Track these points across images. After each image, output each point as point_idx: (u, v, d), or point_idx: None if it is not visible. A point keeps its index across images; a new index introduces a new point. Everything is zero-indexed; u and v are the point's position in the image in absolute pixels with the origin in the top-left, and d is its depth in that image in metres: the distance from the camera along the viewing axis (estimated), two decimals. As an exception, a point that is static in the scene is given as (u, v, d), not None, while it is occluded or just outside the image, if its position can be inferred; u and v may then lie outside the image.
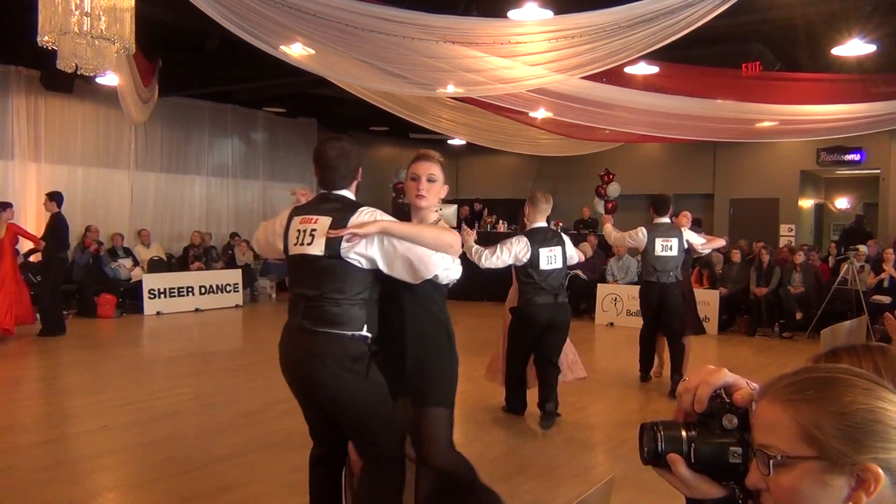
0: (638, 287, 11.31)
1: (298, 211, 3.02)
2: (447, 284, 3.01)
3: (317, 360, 2.83)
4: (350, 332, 2.84)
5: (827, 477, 0.86)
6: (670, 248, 6.65)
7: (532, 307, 5.52)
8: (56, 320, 9.31)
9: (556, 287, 5.56)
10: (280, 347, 3.03)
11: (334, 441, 3.11)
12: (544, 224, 5.69)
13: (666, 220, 6.83)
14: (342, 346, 2.82)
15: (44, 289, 9.54)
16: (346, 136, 3.12)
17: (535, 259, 5.44)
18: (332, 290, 2.83)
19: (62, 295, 11.14)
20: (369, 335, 2.88)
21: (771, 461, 0.88)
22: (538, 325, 5.56)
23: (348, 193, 3.00)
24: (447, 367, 3.09)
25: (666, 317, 6.82)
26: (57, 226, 9.42)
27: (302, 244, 2.90)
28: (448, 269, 2.91)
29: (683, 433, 0.98)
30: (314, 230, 2.88)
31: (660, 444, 0.97)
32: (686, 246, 6.83)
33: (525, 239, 5.47)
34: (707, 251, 7.37)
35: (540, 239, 5.51)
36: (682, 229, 6.92)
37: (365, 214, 2.85)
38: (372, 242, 2.81)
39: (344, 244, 2.80)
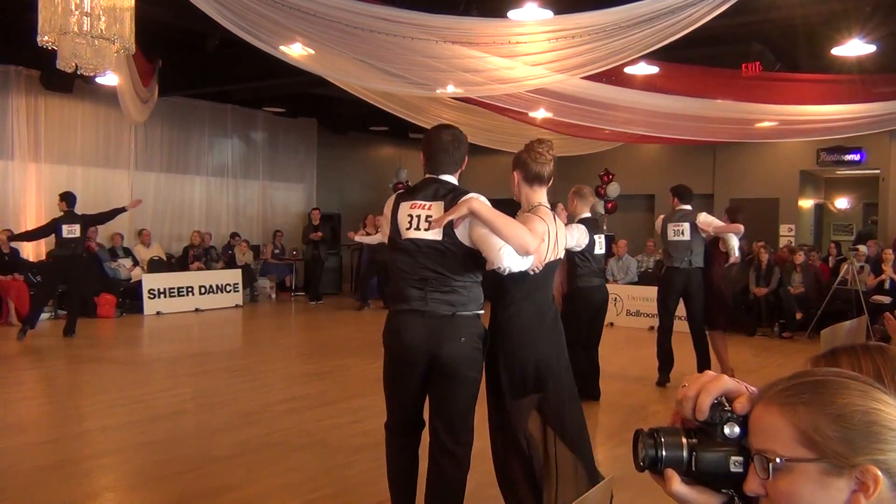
0: (638, 287, 11.42)
1: (404, 197, 3.11)
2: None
3: (457, 341, 2.96)
4: (475, 312, 3.05)
5: (826, 479, 0.86)
6: (682, 233, 6.77)
7: (592, 289, 6.13)
8: (32, 314, 9.38)
9: (603, 270, 6.22)
10: (397, 331, 3.06)
11: (412, 420, 3.23)
12: (589, 214, 6.24)
13: (687, 207, 6.94)
14: (474, 326, 3.03)
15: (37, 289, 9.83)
16: (456, 127, 3.23)
17: (591, 245, 5.95)
18: (456, 272, 2.97)
19: (61, 295, 11.19)
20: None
21: (770, 465, 0.88)
22: (595, 305, 6.18)
23: (454, 179, 3.10)
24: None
25: (687, 305, 6.87)
26: (44, 226, 9.57)
27: (418, 229, 2.99)
28: (510, 266, 2.92)
29: (684, 440, 0.96)
30: (429, 216, 2.97)
31: (660, 450, 0.96)
32: (704, 234, 6.81)
33: (583, 226, 5.92)
34: (728, 237, 6.98)
35: (591, 227, 6.10)
36: (698, 214, 6.89)
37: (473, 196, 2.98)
38: (465, 223, 2.93)
39: (459, 229, 2.93)
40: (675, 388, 6.86)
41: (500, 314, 3.20)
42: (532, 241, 2.89)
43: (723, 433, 0.95)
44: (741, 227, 6.93)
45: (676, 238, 6.81)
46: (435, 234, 2.95)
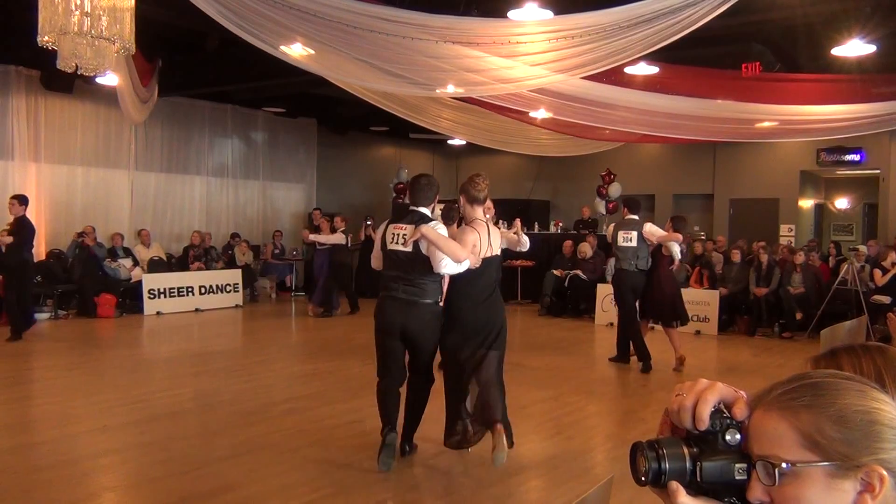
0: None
1: (393, 220, 4.68)
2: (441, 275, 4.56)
3: (418, 317, 4.51)
4: (433, 300, 4.56)
5: (833, 482, 0.85)
6: (630, 240, 7.71)
7: None
8: (27, 319, 9.21)
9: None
10: (382, 310, 4.58)
11: (396, 371, 4.63)
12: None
13: (635, 217, 7.87)
14: (430, 310, 4.55)
15: (20, 291, 9.16)
16: (431, 175, 4.93)
17: None
18: (420, 273, 4.46)
19: (61, 295, 11.18)
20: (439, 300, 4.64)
21: (776, 471, 0.86)
22: None
23: (426, 210, 4.61)
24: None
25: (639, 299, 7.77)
26: (24, 227, 9.05)
27: (396, 243, 4.52)
28: (448, 271, 4.47)
29: (686, 450, 0.93)
30: (405, 234, 4.48)
31: (663, 463, 0.92)
32: (649, 242, 7.72)
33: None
34: (670, 244, 7.80)
35: None
36: (644, 224, 7.82)
37: (430, 224, 4.45)
38: (424, 242, 4.42)
39: (421, 244, 4.42)
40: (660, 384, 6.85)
41: (452, 295, 4.71)
42: (462, 254, 4.38)
43: (724, 441, 0.92)
44: (680, 237, 7.95)
45: (625, 244, 7.73)
46: (407, 247, 4.47)
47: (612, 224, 7.96)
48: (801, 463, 0.86)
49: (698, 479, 0.92)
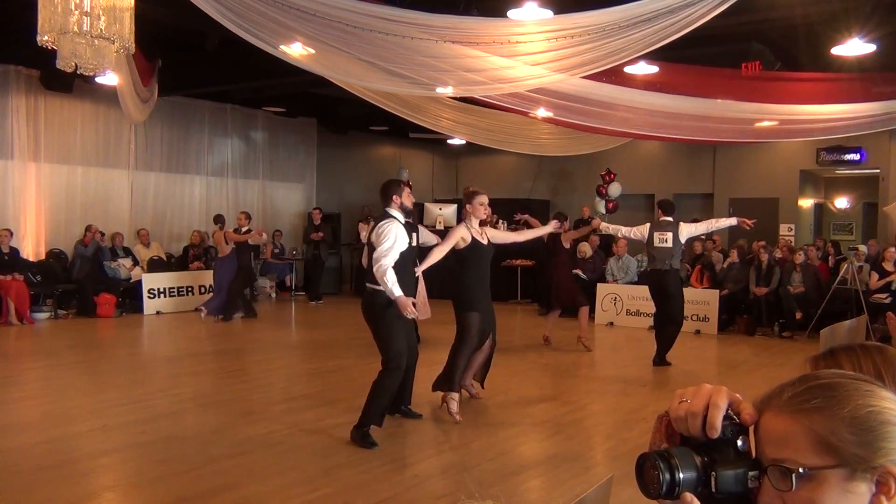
0: (637, 286, 11.43)
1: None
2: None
3: (364, 303, 5.17)
4: (379, 288, 4.95)
5: (848, 485, 0.84)
6: (666, 241, 7.90)
7: None
8: None
9: None
10: None
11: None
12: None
13: (670, 219, 7.98)
14: (373, 296, 5.03)
15: None
16: (392, 179, 5.57)
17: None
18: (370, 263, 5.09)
19: (63, 294, 11.18)
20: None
21: (793, 475, 0.84)
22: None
23: (389, 210, 5.17)
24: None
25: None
26: None
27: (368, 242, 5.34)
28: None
29: (697, 459, 0.89)
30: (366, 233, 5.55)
31: (677, 473, 0.87)
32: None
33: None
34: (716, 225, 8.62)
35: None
36: (680, 224, 8.06)
37: (381, 223, 5.11)
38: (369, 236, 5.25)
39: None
40: (661, 384, 6.85)
41: (471, 276, 5.76)
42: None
43: (736, 448, 0.89)
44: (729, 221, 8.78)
45: (662, 245, 7.95)
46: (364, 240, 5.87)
47: (647, 224, 8.17)
48: (818, 467, 0.85)
49: (712, 489, 0.88)
